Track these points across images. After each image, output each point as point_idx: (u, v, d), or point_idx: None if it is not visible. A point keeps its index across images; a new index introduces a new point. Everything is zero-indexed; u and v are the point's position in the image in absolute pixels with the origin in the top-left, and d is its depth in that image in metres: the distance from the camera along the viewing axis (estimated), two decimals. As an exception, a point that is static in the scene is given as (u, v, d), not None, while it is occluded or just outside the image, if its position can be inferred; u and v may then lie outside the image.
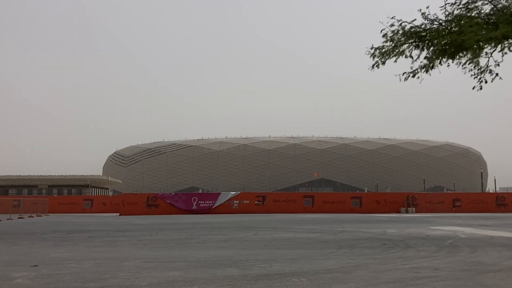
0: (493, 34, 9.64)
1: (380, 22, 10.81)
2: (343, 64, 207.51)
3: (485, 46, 10.54)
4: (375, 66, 11.42)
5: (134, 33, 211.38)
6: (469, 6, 10.23)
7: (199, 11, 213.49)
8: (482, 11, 10.33)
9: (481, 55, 10.75)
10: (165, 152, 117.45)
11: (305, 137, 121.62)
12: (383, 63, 11.27)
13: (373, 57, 11.26)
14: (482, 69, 11.01)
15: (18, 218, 29.73)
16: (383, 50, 11.08)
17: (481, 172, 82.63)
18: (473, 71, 11.06)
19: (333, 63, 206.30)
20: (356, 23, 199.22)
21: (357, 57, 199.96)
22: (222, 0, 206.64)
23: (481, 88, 11.19)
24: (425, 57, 11.10)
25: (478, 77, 11.09)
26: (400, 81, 11.56)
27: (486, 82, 11.10)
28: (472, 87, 11.22)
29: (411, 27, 10.68)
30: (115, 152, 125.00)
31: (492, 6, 10.23)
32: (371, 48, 11.22)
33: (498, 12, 10.04)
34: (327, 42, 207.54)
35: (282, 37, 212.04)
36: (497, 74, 10.99)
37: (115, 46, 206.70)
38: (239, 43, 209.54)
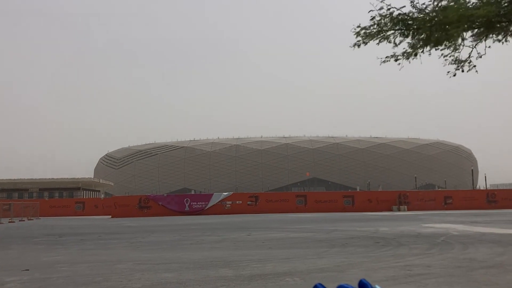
0: (474, 12, 9.73)
1: (370, 3, 10.83)
2: (334, 64, 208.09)
3: (466, 36, 10.66)
4: (356, 45, 11.43)
5: (124, 35, 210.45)
6: None
7: (190, 12, 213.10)
8: (469, 4, 10.44)
9: (462, 43, 10.87)
10: (156, 154, 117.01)
11: (296, 136, 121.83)
12: (365, 43, 11.29)
13: (357, 36, 11.26)
14: (462, 59, 11.16)
15: (9, 222, 29.48)
16: (368, 31, 11.10)
17: (472, 170, 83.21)
18: (452, 57, 11.20)
19: (324, 62, 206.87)
20: (347, 22, 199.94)
21: (348, 56, 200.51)
22: (213, 1, 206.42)
23: (454, 75, 11.34)
24: (409, 45, 11.17)
25: (456, 65, 11.24)
26: (380, 64, 11.64)
27: (462, 71, 11.25)
28: (447, 71, 11.37)
29: (399, 14, 10.75)
30: (106, 154, 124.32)
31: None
32: (357, 27, 11.23)
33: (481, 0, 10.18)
34: (319, 41, 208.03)
35: (273, 37, 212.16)
36: (474, 66, 11.15)
37: (105, 48, 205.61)
38: (230, 44, 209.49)
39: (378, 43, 11.20)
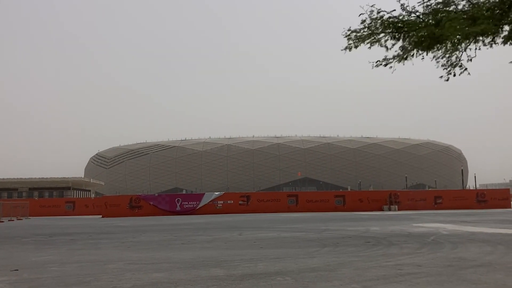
0: (472, 30, 9.78)
1: (360, 6, 10.84)
2: (326, 64, 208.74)
3: (462, 41, 10.71)
4: (347, 49, 11.45)
5: (116, 33, 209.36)
6: (447, 1, 10.38)
7: (182, 13, 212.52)
8: (459, 7, 10.49)
9: (458, 49, 10.92)
10: (148, 153, 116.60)
11: (288, 136, 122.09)
12: (356, 47, 11.31)
13: (348, 39, 11.27)
14: (453, 63, 11.21)
15: (-2, 222, 29.20)
16: (359, 34, 11.12)
17: (462, 170, 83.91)
18: (444, 62, 11.25)
19: (316, 63, 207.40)
20: (341, 24, 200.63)
21: (339, 57, 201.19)
22: (205, 2, 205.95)
23: (447, 80, 11.41)
24: (400, 48, 11.20)
25: (448, 69, 11.29)
26: (372, 68, 11.69)
27: (454, 75, 11.31)
28: (440, 76, 11.42)
29: (389, 17, 10.76)
30: (97, 154, 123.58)
31: (468, 2, 10.39)
32: (348, 30, 11.24)
33: (474, 7, 10.21)
34: (311, 42, 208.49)
35: (265, 38, 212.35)
36: (466, 69, 11.21)
37: (97, 47, 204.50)
38: (222, 44, 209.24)
39: (369, 47, 11.20)
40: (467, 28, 9.81)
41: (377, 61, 11.54)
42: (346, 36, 11.24)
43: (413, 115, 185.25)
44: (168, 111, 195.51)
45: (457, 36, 10.08)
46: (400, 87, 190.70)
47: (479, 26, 9.66)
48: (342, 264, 7.79)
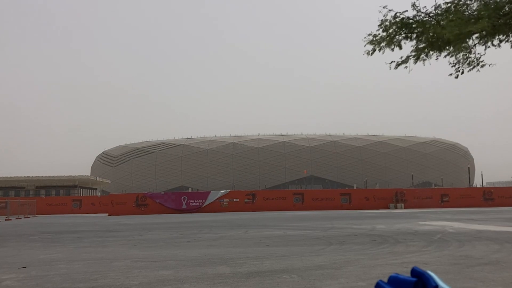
0: (472, 28, 9.75)
1: (379, 11, 10.86)
2: (332, 62, 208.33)
3: (467, 41, 10.66)
4: (371, 53, 11.45)
5: (121, 32, 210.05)
6: (459, 2, 10.33)
7: (187, 13, 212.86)
8: (471, 7, 10.43)
9: (463, 49, 10.87)
10: (153, 152, 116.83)
11: (294, 134, 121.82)
12: (380, 50, 11.27)
13: (370, 44, 11.25)
14: (461, 61, 11.16)
15: (5, 220, 29.42)
16: (377, 38, 11.10)
17: (469, 167, 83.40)
18: (453, 60, 11.21)
19: (322, 61, 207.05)
20: (340, 22, 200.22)
21: (345, 55, 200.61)
22: (210, 1, 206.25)
23: (457, 77, 11.36)
24: (414, 48, 11.17)
25: (456, 66, 11.25)
26: (390, 69, 11.65)
27: (462, 72, 11.27)
28: (449, 74, 11.39)
29: (402, 18, 10.74)
30: (103, 152, 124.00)
31: (479, 2, 10.33)
32: (369, 35, 11.23)
33: (483, 6, 10.15)
34: (315, 41, 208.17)
35: (270, 36, 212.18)
36: (474, 67, 11.15)
37: (103, 47, 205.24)
38: (227, 42, 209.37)
39: (392, 50, 11.17)
40: (467, 28, 9.77)
41: (392, 62, 11.49)
42: (369, 42, 11.22)
43: (419, 112, 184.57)
44: (174, 110, 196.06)
45: (460, 36, 10.03)
46: (406, 84, 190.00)
47: (478, 25, 9.62)
48: (348, 262, 7.79)
